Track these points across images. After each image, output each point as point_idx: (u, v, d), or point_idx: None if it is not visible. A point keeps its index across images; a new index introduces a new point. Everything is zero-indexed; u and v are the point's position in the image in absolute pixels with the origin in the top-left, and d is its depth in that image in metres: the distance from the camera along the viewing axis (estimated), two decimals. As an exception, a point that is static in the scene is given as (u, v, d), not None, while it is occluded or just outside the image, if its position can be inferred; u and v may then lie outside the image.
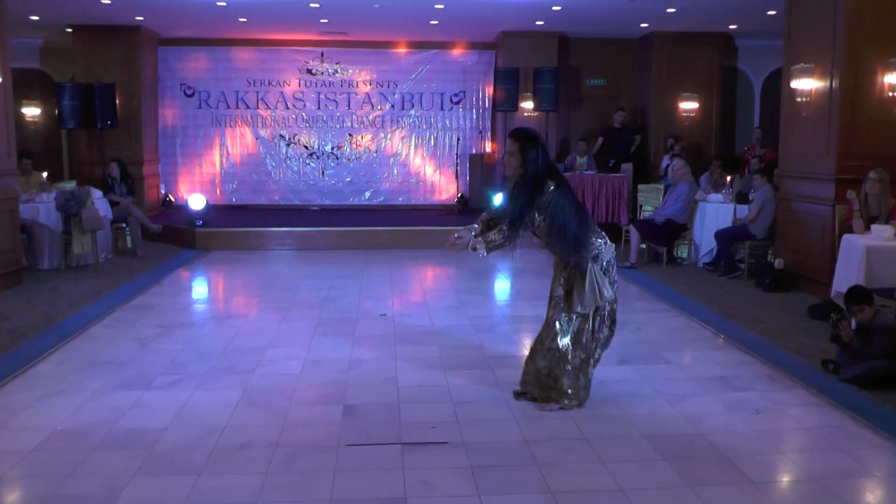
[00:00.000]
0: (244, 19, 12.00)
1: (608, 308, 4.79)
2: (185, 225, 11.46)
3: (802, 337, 6.45)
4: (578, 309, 4.65)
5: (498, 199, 11.95)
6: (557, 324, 4.72)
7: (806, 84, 8.17)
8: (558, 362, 4.72)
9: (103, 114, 12.15)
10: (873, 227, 6.76)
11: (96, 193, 9.88)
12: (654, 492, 3.72)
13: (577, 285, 4.63)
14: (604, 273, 4.66)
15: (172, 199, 14.19)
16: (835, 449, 4.23)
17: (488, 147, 14.49)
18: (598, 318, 4.77)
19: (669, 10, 11.41)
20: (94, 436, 4.32)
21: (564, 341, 4.71)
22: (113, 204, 10.46)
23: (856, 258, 6.38)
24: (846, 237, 6.82)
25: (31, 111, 13.87)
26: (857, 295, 5.44)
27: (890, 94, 7.60)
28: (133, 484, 3.75)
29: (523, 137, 4.62)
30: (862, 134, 7.68)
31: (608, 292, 4.66)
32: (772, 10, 10.92)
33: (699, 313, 7.28)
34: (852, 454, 4.15)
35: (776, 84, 11.62)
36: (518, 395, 4.96)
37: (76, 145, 13.06)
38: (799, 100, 8.31)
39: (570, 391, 4.73)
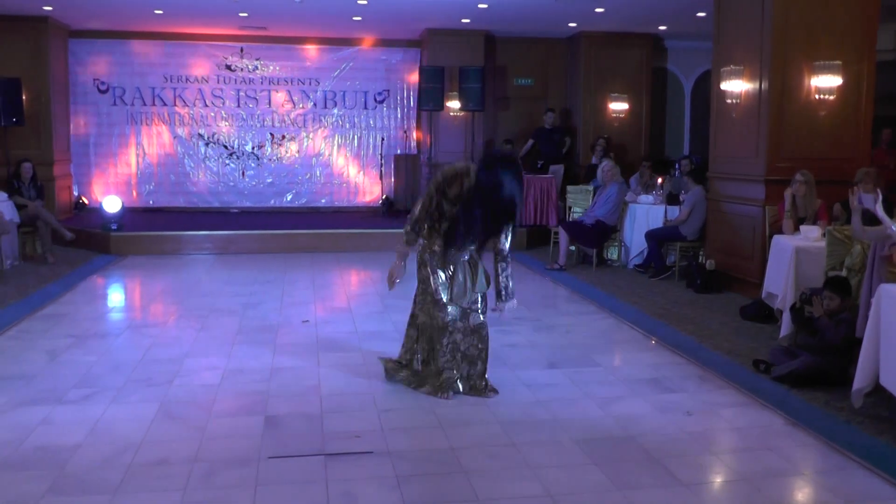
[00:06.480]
0: (160, 11, 11.57)
1: None
2: (100, 229, 11.00)
3: (733, 337, 6.48)
4: None
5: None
6: None
7: (735, 86, 8.23)
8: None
9: (8, 110, 11.43)
10: (802, 227, 6.78)
11: (0, 196, 9.37)
12: (583, 496, 3.65)
13: None
14: None
15: (86, 202, 13.61)
16: (765, 448, 4.23)
17: (413, 147, 14.33)
18: None
19: (598, 10, 11.42)
20: (-3, 455, 4.03)
21: None
22: (20, 207, 9.91)
23: (786, 259, 6.38)
24: (776, 238, 6.82)
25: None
26: (840, 284, 5.42)
27: (816, 96, 7.71)
28: (41, 506, 3.50)
29: None
30: (790, 135, 7.76)
31: None
32: (701, 11, 11.03)
33: (630, 315, 7.25)
34: (782, 453, 4.16)
35: (706, 85, 11.72)
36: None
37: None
38: (728, 101, 8.37)
39: None
